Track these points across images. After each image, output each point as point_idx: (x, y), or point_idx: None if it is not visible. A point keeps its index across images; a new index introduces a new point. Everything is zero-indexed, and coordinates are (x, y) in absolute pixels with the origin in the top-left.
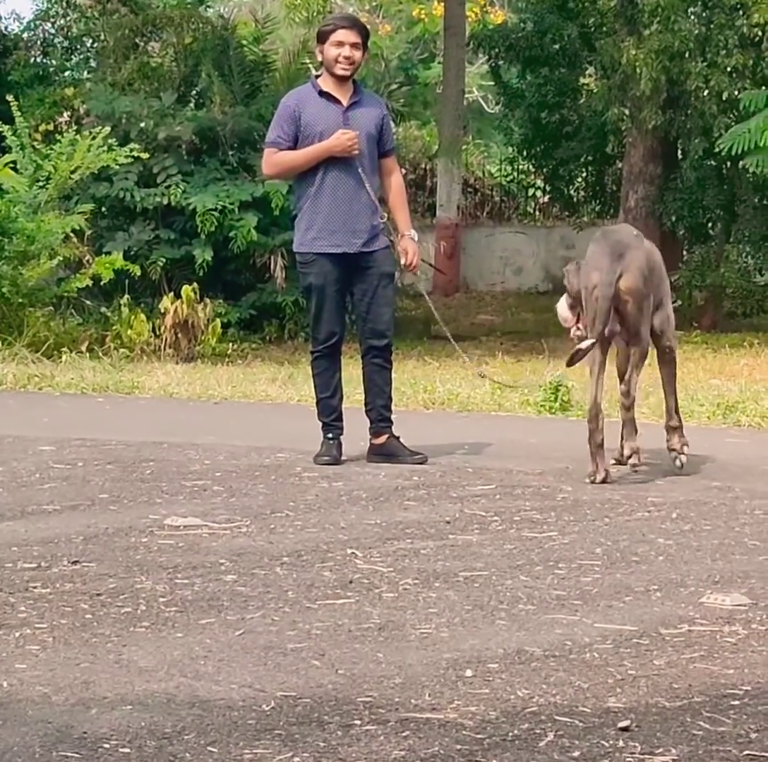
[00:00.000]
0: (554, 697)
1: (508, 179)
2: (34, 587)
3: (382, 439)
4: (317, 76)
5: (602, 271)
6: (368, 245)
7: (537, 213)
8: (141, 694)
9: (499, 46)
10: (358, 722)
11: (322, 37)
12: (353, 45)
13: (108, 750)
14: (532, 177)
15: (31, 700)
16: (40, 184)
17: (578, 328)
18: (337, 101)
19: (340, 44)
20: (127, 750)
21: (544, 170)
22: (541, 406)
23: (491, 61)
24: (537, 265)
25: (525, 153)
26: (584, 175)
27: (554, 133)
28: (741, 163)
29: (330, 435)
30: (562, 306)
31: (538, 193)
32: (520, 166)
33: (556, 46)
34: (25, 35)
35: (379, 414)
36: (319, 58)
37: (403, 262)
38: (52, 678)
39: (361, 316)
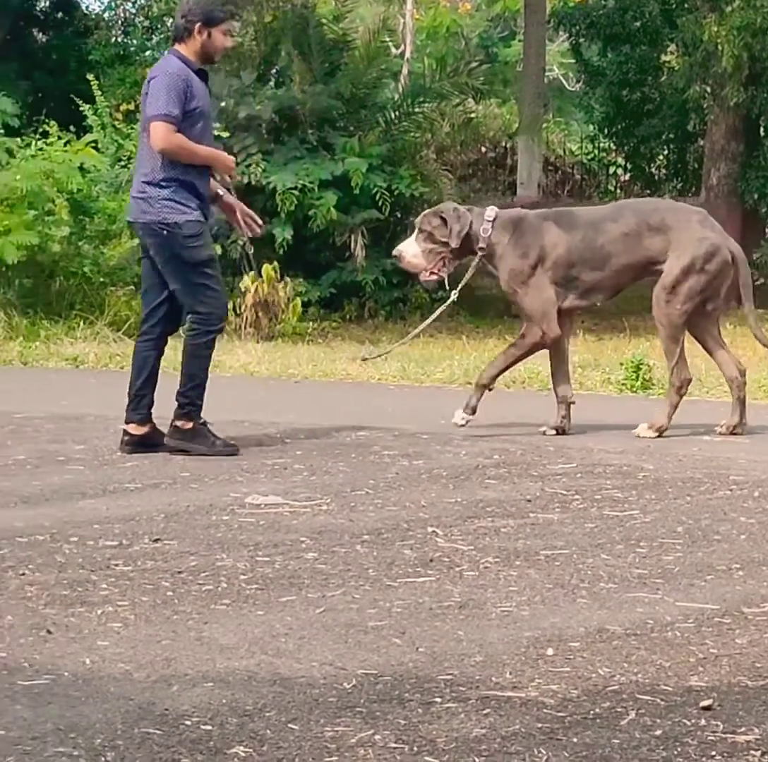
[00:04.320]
0: (636, 675)
1: (589, 157)
2: (116, 565)
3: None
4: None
5: (733, 245)
6: None
7: (618, 191)
8: (222, 671)
9: (580, 23)
10: (438, 700)
11: (213, 22)
12: (233, 36)
13: (189, 727)
14: (613, 155)
15: (112, 676)
16: (122, 163)
17: (434, 273)
18: (205, 79)
19: (228, 34)
20: (208, 727)
21: (625, 148)
22: (622, 384)
23: (572, 38)
24: None
25: (606, 131)
26: (665, 152)
27: (635, 110)
28: None
29: (202, 421)
30: (412, 248)
31: (619, 171)
32: (601, 144)
33: (637, 24)
34: (106, 15)
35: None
36: (200, 39)
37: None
38: (133, 655)
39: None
